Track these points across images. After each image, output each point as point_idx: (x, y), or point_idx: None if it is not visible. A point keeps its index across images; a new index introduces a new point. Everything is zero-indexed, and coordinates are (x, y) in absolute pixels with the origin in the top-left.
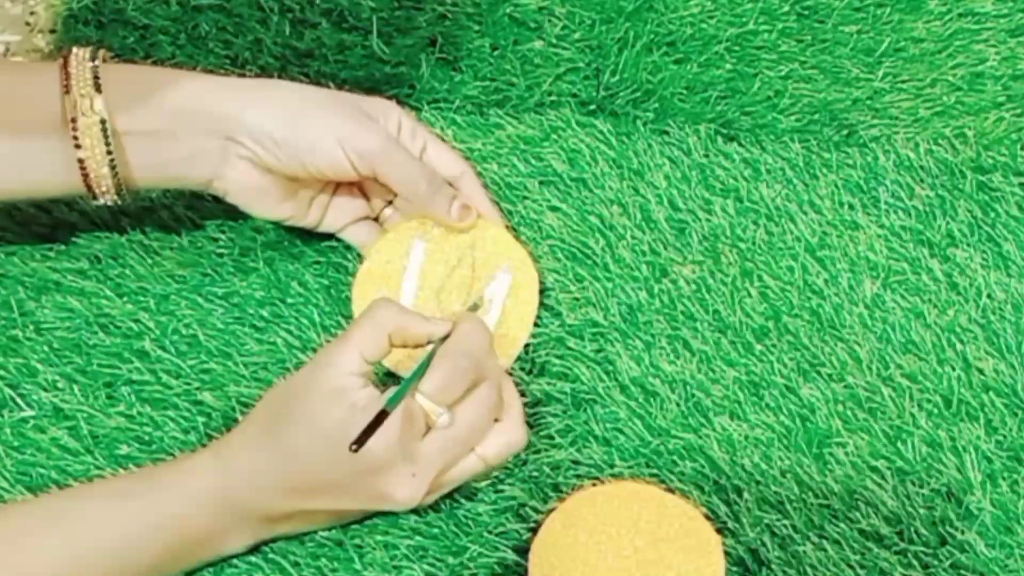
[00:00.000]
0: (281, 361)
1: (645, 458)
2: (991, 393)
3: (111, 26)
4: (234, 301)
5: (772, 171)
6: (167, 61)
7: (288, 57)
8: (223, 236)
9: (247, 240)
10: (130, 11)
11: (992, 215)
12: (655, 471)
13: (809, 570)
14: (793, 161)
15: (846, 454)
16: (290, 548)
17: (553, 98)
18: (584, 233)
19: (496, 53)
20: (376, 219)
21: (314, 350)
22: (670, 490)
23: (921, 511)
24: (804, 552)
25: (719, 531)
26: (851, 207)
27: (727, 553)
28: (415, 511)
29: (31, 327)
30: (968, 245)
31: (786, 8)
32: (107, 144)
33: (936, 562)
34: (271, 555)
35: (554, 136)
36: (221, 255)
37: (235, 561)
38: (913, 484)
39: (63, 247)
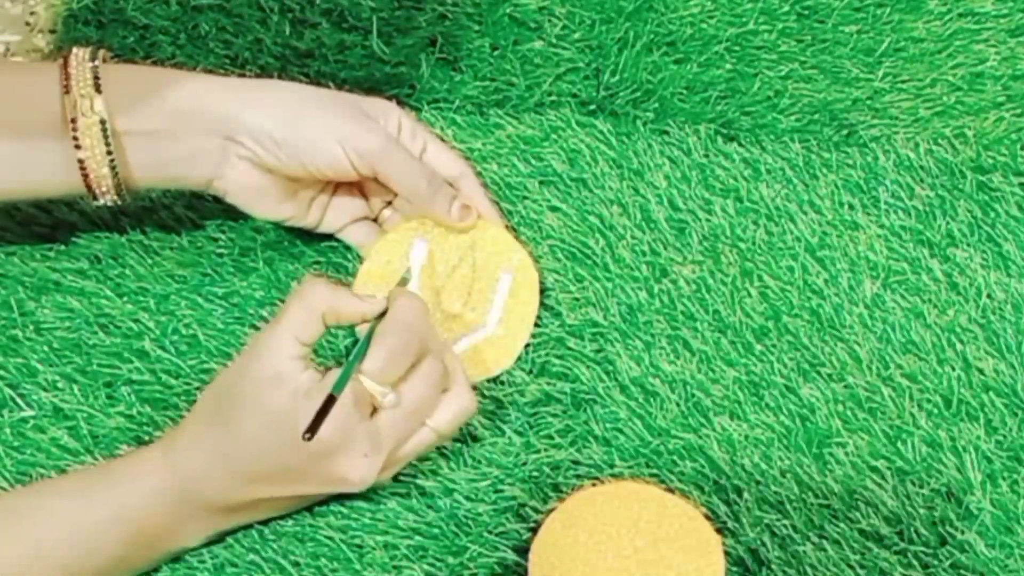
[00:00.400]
0: None
1: (645, 458)
2: (991, 393)
3: (111, 26)
4: (234, 301)
5: (772, 171)
6: (167, 61)
7: (288, 57)
8: (223, 236)
9: (247, 240)
10: (130, 11)
11: (992, 215)
12: (655, 471)
13: (809, 570)
14: (793, 161)
15: (846, 454)
16: (290, 548)
17: (553, 98)
18: (584, 233)
19: (496, 53)
20: (375, 220)
21: (314, 350)
22: (670, 490)
23: (921, 511)
24: (804, 552)
25: (719, 531)
26: (851, 207)
27: (727, 553)
28: (414, 511)
29: (31, 327)
30: (968, 245)
31: (786, 8)
32: (107, 144)
33: (936, 562)
34: (271, 555)
35: (554, 136)
36: (221, 255)
37: (235, 561)
38: (913, 484)
39: (63, 247)
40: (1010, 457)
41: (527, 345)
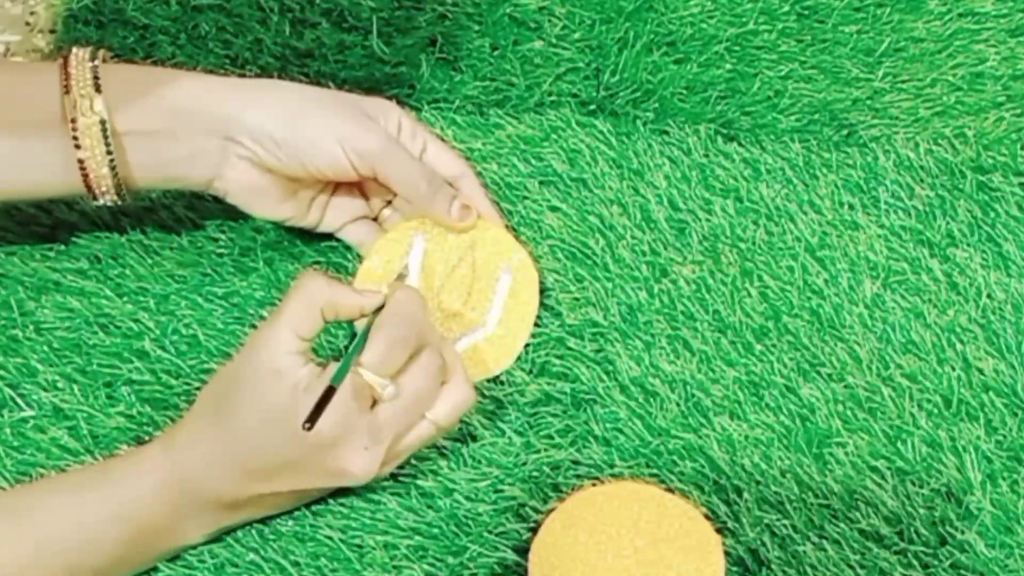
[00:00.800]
0: None
1: (645, 458)
2: (991, 393)
3: (111, 26)
4: (234, 301)
5: (772, 171)
6: (167, 61)
7: (288, 57)
8: (223, 236)
9: (247, 240)
10: (130, 11)
11: (992, 215)
12: (655, 471)
13: (809, 570)
14: (793, 161)
15: (846, 454)
16: (290, 548)
17: (553, 98)
18: (584, 233)
19: (496, 53)
20: (375, 219)
21: (314, 350)
22: (670, 490)
23: (921, 511)
24: (804, 552)
25: (719, 531)
26: (851, 207)
27: (727, 553)
28: (414, 511)
29: (31, 327)
30: (968, 245)
31: (786, 8)
32: (107, 144)
33: (936, 562)
34: (272, 555)
35: (554, 136)
36: (221, 255)
37: (236, 561)
38: (913, 484)
39: (63, 247)
40: (1010, 457)
41: (527, 345)
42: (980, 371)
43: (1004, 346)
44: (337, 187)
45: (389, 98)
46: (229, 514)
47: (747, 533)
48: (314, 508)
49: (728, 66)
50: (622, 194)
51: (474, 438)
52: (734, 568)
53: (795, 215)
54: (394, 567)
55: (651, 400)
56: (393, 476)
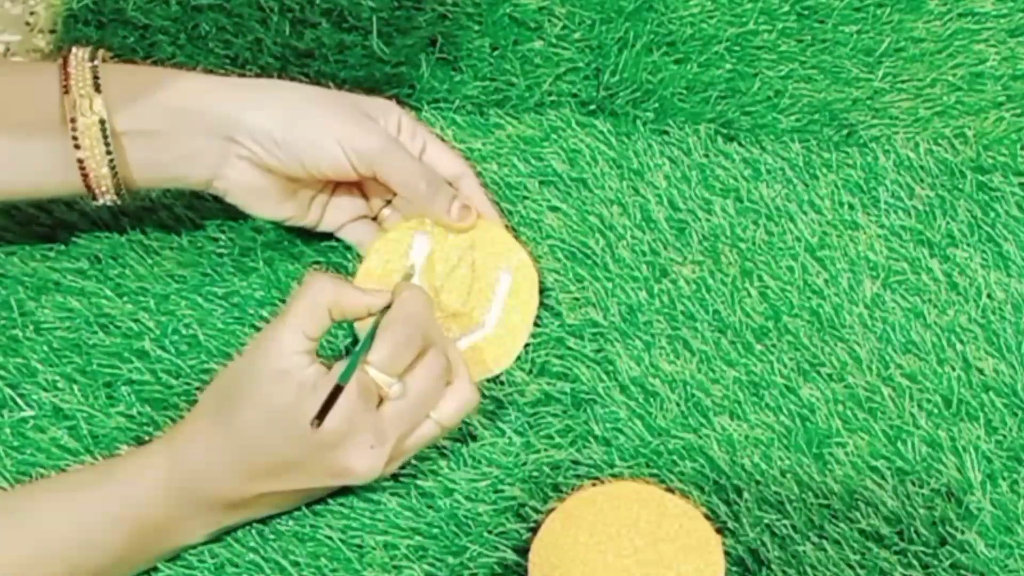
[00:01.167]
0: None
1: (645, 458)
2: (991, 393)
3: (111, 26)
4: (234, 301)
5: (772, 171)
6: (167, 61)
7: (288, 57)
8: (223, 236)
9: (247, 240)
10: (130, 11)
11: (992, 215)
12: (655, 471)
13: (809, 570)
14: (793, 161)
15: (846, 454)
16: (290, 548)
17: (553, 98)
18: (584, 233)
19: (496, 53)
20: (375, 219)
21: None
22: (670, 490)
23: (921, 511)
24: (804, 552)
25: (719, 531)
26: (851, 207)
27: (727, 553)
28: (414, 511)
29: (31, 327)
30: (968, 245)
31: (786, 8)
32: (106, 144)
33: (936, 562)
34: (271, 555)
35: (554, 136)
36: (221, 255)
37: (236, 560)
38: (913, 484)
39: (63, 247)
40: (1010, 457)
41: (527, 345)
42: (980, 371)
43: (1004, 346)
44: (337, 187)
45: (389, 98)
46: (231, 514)
47: (747, 533)
48: (314, 508)
49: (728, 66)
50: (622, 194)
51: (474, 438)
52: (734, 568)
53: (795, 215)
54: (394, 567)
55: (651, 400)
56: (393, 476)
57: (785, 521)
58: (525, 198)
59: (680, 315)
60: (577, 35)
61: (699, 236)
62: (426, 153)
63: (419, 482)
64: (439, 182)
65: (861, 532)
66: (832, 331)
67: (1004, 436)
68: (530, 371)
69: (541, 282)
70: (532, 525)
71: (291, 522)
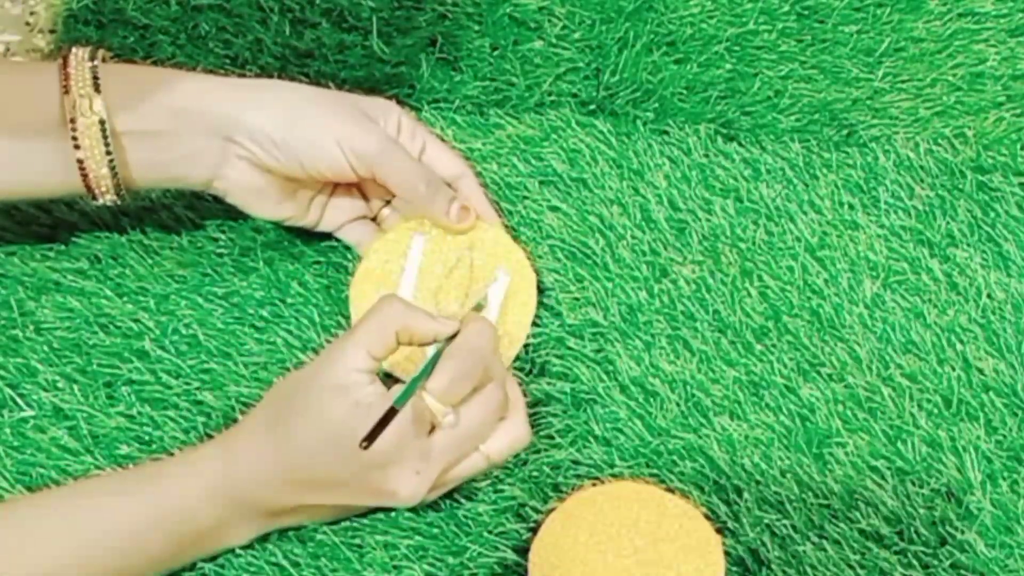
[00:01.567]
0: (281, 361)
1: (645, 458)
2: (991, 393)
3: (111, 26)
4: (234, 301)
5: (772, 171)
6: (167, 61)
7: (288, 57)
8: (223, 236)
9: (247, 240)
10: (130, 11)
11: (992, 215)
12: (655, 471)
13: (809, 570)
14: (793, 161)
15: (846, 454)
16: (290, 548)
17: (553, 98)
18: (584, 233)
19: (496, 53)
20: (374, 219)
21: (314, 350)
22: (670, 490)
23: (921, 511)
24: (804, 552)
25: (719, 531)
26: (851, 207)
27: (727, 553)
28: (414, 510)
29: (31, 327)
30: (968, 245)
31: (786, 8)
32: (106, 144)
33: (936, 562)
34: (272, 555)
35: (554, 136)
36: (221, 255)
37: (236, 560)
38: (913, 484)
39: (63, 247)
40: (1010, 457)
41: (527, 345)
42: (980, 371)
43: (1004, 346)
44: (336, 187)
45: (389, 98)
46: (273, 520)
47: (747, 533)
48: None
49: (728, 66)
50: (622, 194)
51: None
52: (734, 568)
53: (795, 215)
54: (394, 567)
55: (651, 400)
56: (433, 503)
57: (785, 521)
58: (525, 198)
59: (680, 315)
60: (577, 35)
61: (699, 236)
62: (425, 153)
63: None
64: (438, 183)
65: (861, 532)
66: (832, 331)
67: (1004, 436)
68: (530, 371)
69: (541, 282)
70: (532, 525)
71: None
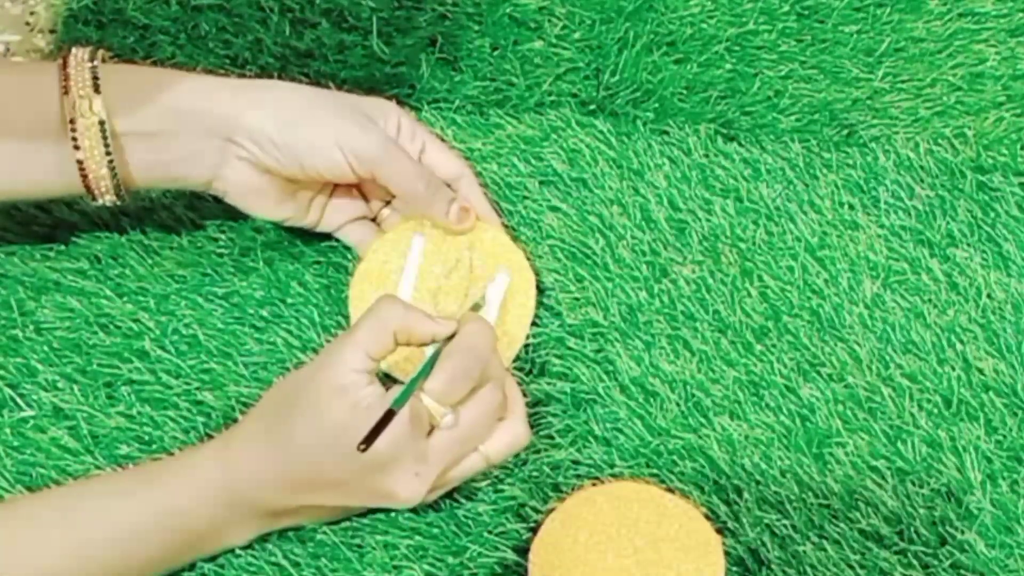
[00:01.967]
0: (281, 361)
1: (645, 458)
2: (991, 393)
3: (111, 26)
4: (234, 301)
5: (772, 171)
6: (167, 61)
7: (288, 57)
8: (223, 236)
9: (247, 240)
10: (130, 11)
11: (992, 215)
12: (655, 471)
13: (809, 570)
14: (793, 161)
15: (846, 454)
16: (290, 548)
17: (553, 98)
18: (584, 233)
19: (496, 53)
20: (374, 219)
21: (314, 350)
22: (670, 490)
23: (921, 511)
24: (804, 552)
25: (719, 531)
26: (851, 207)
27: (727, 553)
28: (414, 510)
29: (31, 327)
30: (968, 245)
31: (786, 8)
32: (106, 145)
33: (936, 562)
34: (272, 555)
35: (554, 136)
36: (221, 255)
37: (236, 560)
38: (913, 484)
39: (63, 247)
40: (1010, 457)
41: (527, 345)
42: (980, 371)
43: (1004, 346)
44: (336, 187)
45: (389, 98)
46: (272, 521)
47: (747, 533)
48: None
49: (728, 66)
50: (622, 194)
51: None
52: (734, 568)
53: (795, 215)
54: (394, 567)
55: (651, 400)
56: (433, 503)
57: (785, 521)
58: (525, 198)
59: (680, 315)
60: (577, 35)
61: (699, 236)
62: (425, 154)
63: None
64: (438, 184)
65: (861, 532)
66: (832, 331)
67: (1004, 436)
68: (530, 371)
69: (540, 282)
70: (532, 525)
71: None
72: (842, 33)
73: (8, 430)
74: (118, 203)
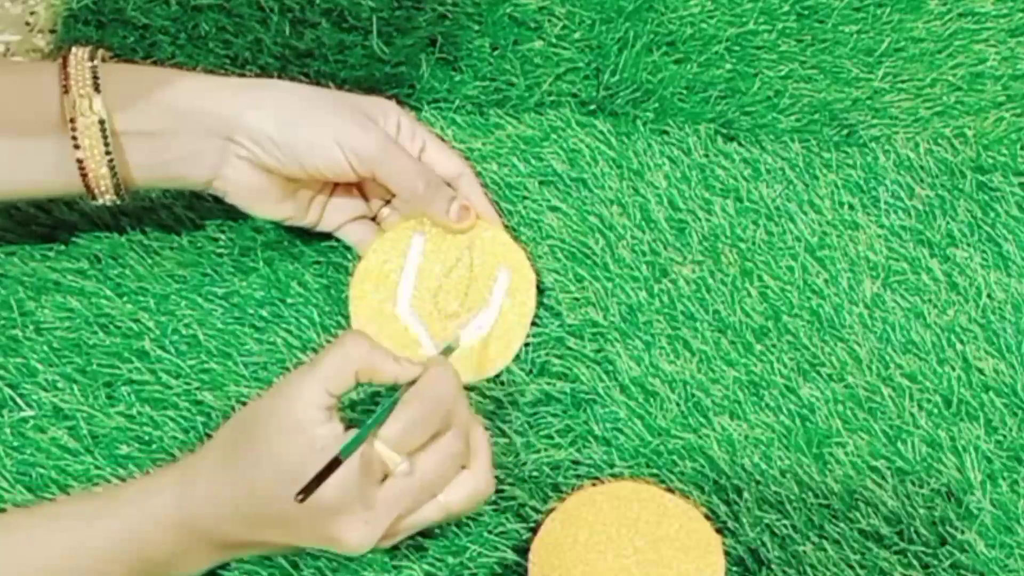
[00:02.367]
0: (281, 361)
1: (645, 458)
2: (991, 393)
3: (111, 26)
4: (234, 301)
5: (772, 171)
6: (167, 61)
7: (288, 57)
8: (223, 236)
9: (247, 240)
10: (130, 11)
11: (992, 215)
12: (655, 471)
13: (809, 570)
14: (793, 161)
15: (846, 454)
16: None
17: (553, 98)
18: (584, 233)
19: (496, 53)
20: (374, 219)
21: (314, 350)
22: (670, 490)
23: (921, 511)
24: (804, 552)
25: (719, 531)
26: (851, 207)
27: (727, 553)
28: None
29: (31, 327)
30: (968, 245)
31: (786, 8)
32: (106, 144)
33: (936, 562)
34: (271, 555)
35: (554, 136)
36: (221, 255)
37: (236, 561)
38: (913, 484)
39: (63, 247)
40: (1010, 457)
41: (527, 345)
42: (980, 371)
43: (1004, 346)
44: (336, 187)
45: (389, 98)
46: (226, 552)
47: (747, 533)
48: None
49: (728, 66)
50: (622, 194)
51: None
52: (734, 568)
53: (795, 215)
54: (394, 567)
55: (651, 400)
56: (391, 548)
57: (785, 521)
58: (525, 198)
59: (680, 315)
60: (577, 35)
61: (699, 236)
62: (425, 153)
63: None
64: (438, 183)
65: (861, 532)
66: (832, 331)
67: (1004, 436)
68: (530, 371)
69: (540, 282)
70: (532, 525)
71: None
72: (842, 33)
73: (8, 430)
74: (118, 202)
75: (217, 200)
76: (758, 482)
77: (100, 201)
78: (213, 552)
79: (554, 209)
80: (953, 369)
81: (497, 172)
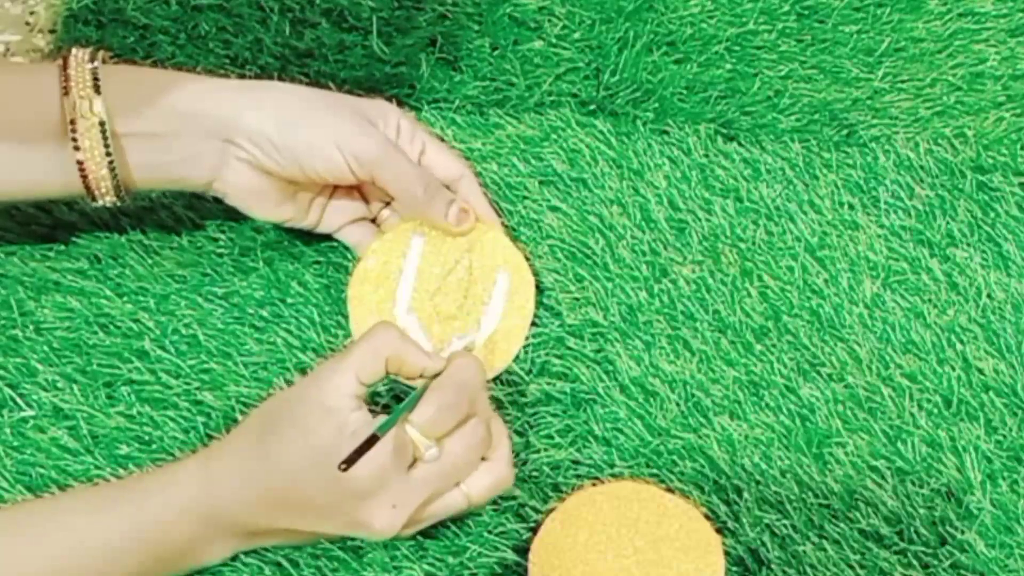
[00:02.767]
0: (281, 361)
1: (645, 458)
2: (991, 393)
3: (111, 26)
4: (234, 301)
5: (772, 171)
6: (167, 61)
7: (288, 57)
8: (223, 236)
9: (247, 240)
10: (130, 11)
11: (992, 215)
12: (655, 471)
13: (809, 570)
14: (793, 161)
15: (846, 454)
16: (290, 548)
17: (553, 98)
18: (584, 233)
19: (496, 53)
20: (374, 220)
21: (314, 350)
22: (670, 490)
23: (921, 511)
24: (804, 552)
25: (719, 531)
26: (851, 207)
27: (727, 553)
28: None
29: (31, 327)
30: (968, 245)
31: (786, 8)
32: (106, 146)
33: (936, 562)
34: (272, 555)
35: (554, 136)
36: (221, 255)
37: (236, 561)
38: (913, 484)
39: (63, 247)
40: (1010, 457)
41: (526, 345)
42: (980, 371)
43: (1004, 346)
44: (336, 189)
45: (389, 98)
46: (249, 539)
47: (747, 533)
48: None
49: (728, 66)
50: (622, 194)
51: None
52: (734, 568)
53: (795, 215)
54: (394, 567)
55: (651, 400)
56: (412, 538)
57: (785, 521)
58: (525, 198)
59: (680, 315)
60: (577, 35)
61: (699, 236)
62: (425, 155)
63: None
64: (437, 186)
65: (861, 532)
66: (832, 331)
67: (1004, 436)
68: (530, 371)
69: (540, 282)
70: (532, 525)
71: None
72: (842, 33)
73: (8, 430)
74: (118, 204)
75: (217, 200)
76: (758, 482)
77: (100, 203)
78: (234, 540)
79: (554, 209)
80: (953, 369)
81: (497, 172)
